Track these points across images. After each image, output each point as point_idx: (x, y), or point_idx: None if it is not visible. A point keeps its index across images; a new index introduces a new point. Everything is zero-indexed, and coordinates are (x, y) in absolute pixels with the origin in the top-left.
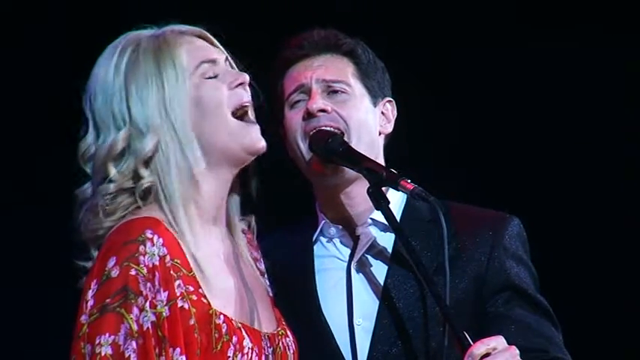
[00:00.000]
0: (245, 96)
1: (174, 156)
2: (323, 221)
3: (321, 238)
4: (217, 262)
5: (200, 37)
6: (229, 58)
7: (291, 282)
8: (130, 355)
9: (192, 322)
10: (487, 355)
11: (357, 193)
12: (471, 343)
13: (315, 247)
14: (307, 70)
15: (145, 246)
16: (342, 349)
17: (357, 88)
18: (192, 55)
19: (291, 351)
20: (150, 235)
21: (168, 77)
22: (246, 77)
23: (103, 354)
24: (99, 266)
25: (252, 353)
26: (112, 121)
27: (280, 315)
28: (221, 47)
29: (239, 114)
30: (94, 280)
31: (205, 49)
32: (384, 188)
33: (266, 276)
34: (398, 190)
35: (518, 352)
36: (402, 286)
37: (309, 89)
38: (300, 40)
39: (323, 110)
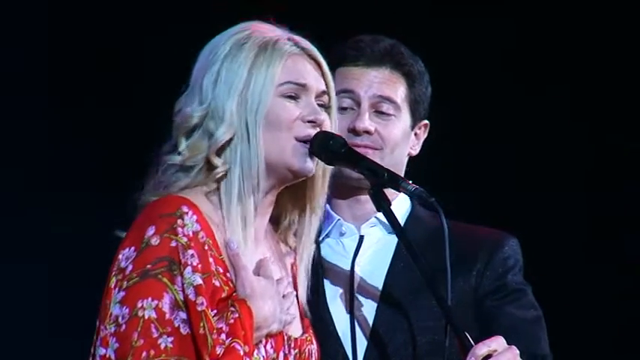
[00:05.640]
0: (312, 134)
1: (242, 154)
2: (336, 219)
3: (329, 236)
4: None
5: (314, 59)
6: (332, 94)
7: None
8: (179, 325)
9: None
10: (489, 356)
11: (365, 192)
12: (473, 343)
13: (322, 245)
14: (362, 80)
15: (182, 219)
16: (344, 343)
17: (403, 111)
18: (285, 71)
19: (314, 358)
20: (186, 210)
21: (257, 79)
22: (321, 117)
23: (146, 317)
24: (135, 234)
25: (269, 346)
26: (198, 92)
27: (309, 323)
28: (330, 80)
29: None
30: (131, 247)
31: (303, 72)
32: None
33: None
34: (399, 191)
35: (518, 352)
36: (401, 284)
37: (359, 102)
38: (362, 44)
39: (367, 131)
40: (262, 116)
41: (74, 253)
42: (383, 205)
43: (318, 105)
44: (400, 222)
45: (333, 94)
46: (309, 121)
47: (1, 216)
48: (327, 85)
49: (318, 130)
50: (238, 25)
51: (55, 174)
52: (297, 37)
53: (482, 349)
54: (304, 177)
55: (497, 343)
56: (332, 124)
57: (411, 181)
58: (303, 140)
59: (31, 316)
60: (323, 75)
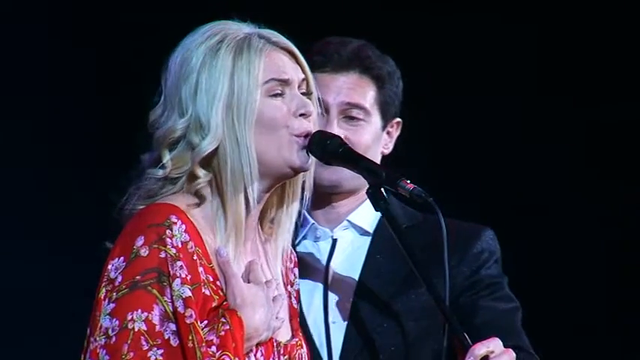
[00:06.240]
0: (310, 128)
1: (232, 162)
2: (311, 223)
3: (305, 239)
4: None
5: (287, 50)
6: (310, 80)
7: None
8: (169, 337)
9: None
10: (486, 357)
11: (344, 195)
12: (471, 343)
13: (297, 247)
14: (330, 87)
15: (171, 230)
16: (319, 348)
17: (373, 114)
18: (266, 69)
19: None
20: (174, 220)
21: (241, 83)
22: (310, 108)
23: (136, 329)
24: (125, 244)
25: (259, 354)
26: (177, 105)
27: (298, 326)
28: (306, 67)
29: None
30: (120, 258)
31: (282, 66)
32: None
33: (294, 287)
34: (397, 191)
35: (515, 355)
36: (374, 286)
37: (328, 110)
38: (328, 49)
39: None
40: (253, 120)
41: (74, 253)
42: (380, 204)
43: (301, 94)
44: (375, 218)
45: (311, 79)
46: (300, 115)
47: (1, 216)
48: (304, 71)
49: (309, 120)
50: (205, 29)
51: (55, 174)
52: (266, 32)
53: (481, 349)
54: (301, 171)
55: (495, 344)
56: (315, 109)
57: (409, 181)
58: (299, 135)
59: (31, 316)
60: (298, 63)
